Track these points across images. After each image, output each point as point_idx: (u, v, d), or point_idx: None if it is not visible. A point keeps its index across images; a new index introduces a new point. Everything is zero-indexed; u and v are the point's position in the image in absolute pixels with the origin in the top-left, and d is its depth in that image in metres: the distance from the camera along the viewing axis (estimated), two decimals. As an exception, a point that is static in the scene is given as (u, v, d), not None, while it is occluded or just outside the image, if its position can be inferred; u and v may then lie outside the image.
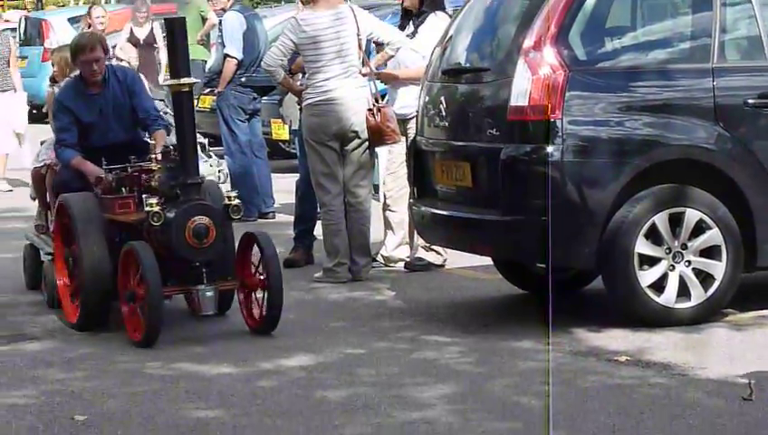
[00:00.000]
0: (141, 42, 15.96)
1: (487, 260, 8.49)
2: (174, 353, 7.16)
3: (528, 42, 7.69)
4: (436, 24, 9.24)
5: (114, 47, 13.61)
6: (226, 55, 12.06)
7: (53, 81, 10.17)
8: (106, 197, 8.17)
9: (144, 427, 5.92)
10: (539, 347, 7.12)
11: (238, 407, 6.19)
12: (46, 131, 15.38)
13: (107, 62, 8.95)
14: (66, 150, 8.48)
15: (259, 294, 7.80)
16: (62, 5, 32.63)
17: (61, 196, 8.32)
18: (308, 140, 8.98)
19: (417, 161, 8.39)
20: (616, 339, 7.28)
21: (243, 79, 11.94)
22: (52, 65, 10.18)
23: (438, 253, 9.01)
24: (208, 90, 14.04)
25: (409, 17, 9.56)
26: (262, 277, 7.77)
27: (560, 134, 7.61)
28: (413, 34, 9.41)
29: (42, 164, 9.38)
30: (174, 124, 8.72)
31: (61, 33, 23.61)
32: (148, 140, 8.72)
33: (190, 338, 7.66)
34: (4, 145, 15.27)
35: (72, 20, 24.87)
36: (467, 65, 8.51)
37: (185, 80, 7.62)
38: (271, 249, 7.77)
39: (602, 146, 7.69)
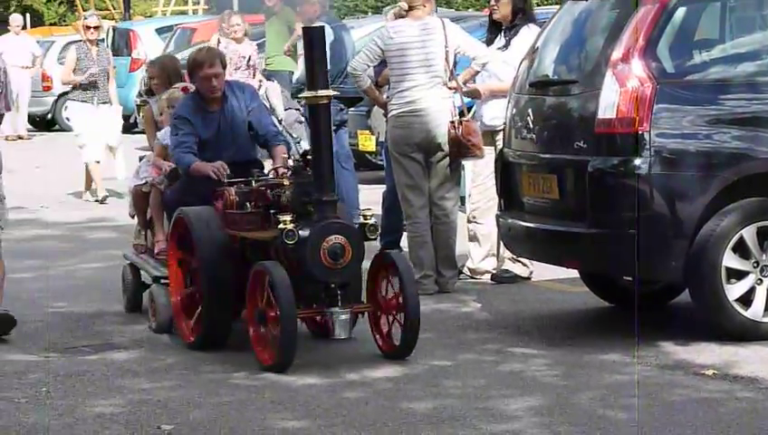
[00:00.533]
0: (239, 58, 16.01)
1: (573, 273, 8.49)
2: (259, 363, 7.19)
3: (616, 54, 7.70)
4: (528, 36, 9.28)
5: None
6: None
7: (150, 93, 9.85)
8: (231, 212, 7.87)
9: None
10: (626, 360, 7.13)
11: (323, 418, 6.19)
12: (136, 141, 15.70)
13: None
14: (186, 155, 8.23)
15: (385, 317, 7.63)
16: (150, 16, 32.96)
17: (179, 209, 8.06)
18: (393, 152, 9.08)
19: (505, 173, 8.41)
20: (703, 353, 7.25)
21: None
22: (149, 77, 9.93)
23: (525, 265, 9.05)
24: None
25: (499, 30, 9.60)
26: (399, 300, 7.48)
27: (647, 147, 7.60)
28: (505, 47, 9.51)
29: (143, 181, 9.12)
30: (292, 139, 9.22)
31: (148, 43, 24.06)
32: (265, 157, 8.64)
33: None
34: (95, 153, 15.51)
35: (160, 30, 25.33)
36: (555, 77, 8.54)
37: (322, 92, 7.36)
38: (409, 271, 7.56)
39: (690, 159, 7.67)
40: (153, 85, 9.63)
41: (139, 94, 11.17)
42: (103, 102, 15.14)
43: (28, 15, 34.77)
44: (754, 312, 7.53)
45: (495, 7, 9.67)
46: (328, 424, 6.13)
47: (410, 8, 9.25)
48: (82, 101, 14.98)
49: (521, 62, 8.95)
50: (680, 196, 7.73)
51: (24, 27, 26.49)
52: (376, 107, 10.82)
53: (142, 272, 8.92)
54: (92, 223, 13.45)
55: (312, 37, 7.44)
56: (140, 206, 9.18)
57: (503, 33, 9.62)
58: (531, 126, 8.46)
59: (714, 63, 8.22)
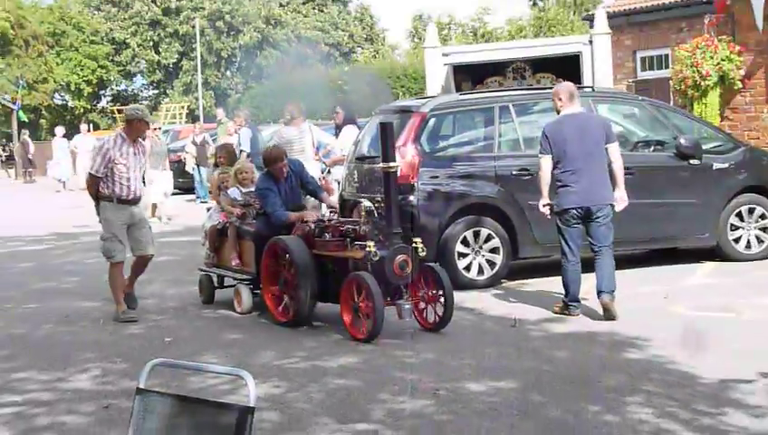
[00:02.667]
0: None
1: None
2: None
3: (400, 142, 11.32)
4: (350, 132, 14.07)
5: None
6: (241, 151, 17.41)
7: (216, 166, 12.48)
8: (321, 240, 9.69)
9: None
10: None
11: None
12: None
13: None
14: (283, 213, 10.20)
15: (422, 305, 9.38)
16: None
17: (277, 237, 9.88)
18: None
19: (341, 206, 11.71)
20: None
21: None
22: (218, 156, 12.69)
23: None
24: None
25: (339, 129, 14.55)
26: (438, 293, 9.26)
27: (417, 190, 11.36)
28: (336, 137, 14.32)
29: (217, 222, 11.36)
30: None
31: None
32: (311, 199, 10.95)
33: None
34: (154, 197, 20.22)
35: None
36: (369, 154, 12.07)
37: (392, 164, 9.14)
38: (445, 274, 9.36)
39: (438, 195, 11.44)
40: (219, 161, 12.48)
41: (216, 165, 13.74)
42: (155, 168, 19.85)
43: None
44: (472, 275, 11.55)
45: (336, 116, 14.80)
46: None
47: (292, 119, 14.20)
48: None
49: (352, 146, 12.86)
50: (434, 215, 11.41)
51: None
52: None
53: (213, 277, 11.27)
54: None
55: (386, 128, 9.22)
56: (213, 238, 11.39)
57: (338, 131, 14.62)
58: (356, 180, 12.29)
59: (449, 147, 12.17)
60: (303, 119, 14.97)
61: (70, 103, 60.57)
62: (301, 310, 9.57)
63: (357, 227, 9.48)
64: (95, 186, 10.45)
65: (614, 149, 9.86)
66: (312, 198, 11.05)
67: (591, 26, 19.40)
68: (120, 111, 53.03)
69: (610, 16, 20.04)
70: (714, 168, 12.75)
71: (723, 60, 16.22)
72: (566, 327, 9.13)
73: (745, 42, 16.25)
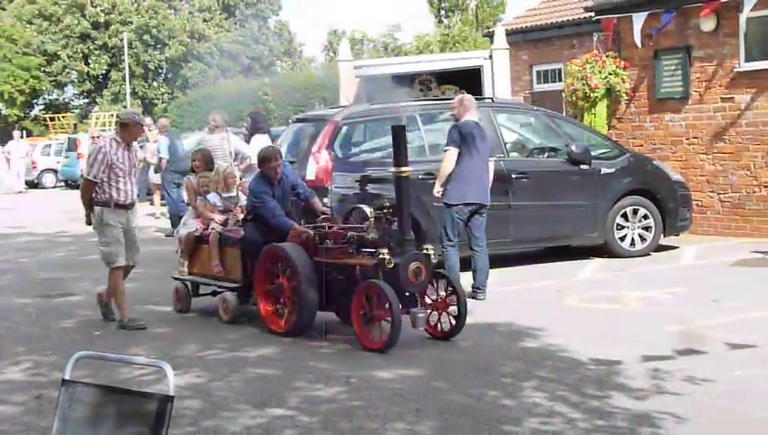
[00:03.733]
0: None
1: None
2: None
3: (314, 148, 11.51)
4: (257, 141, 13.84)
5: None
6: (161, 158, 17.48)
7: (192, 171, 10.89)
8: (324, 247, 8.73)
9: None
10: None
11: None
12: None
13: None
14: (286, 221, 9.25)
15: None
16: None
17: (274, 245, 8.92)
18: None
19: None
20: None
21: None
22: (193, 160, 11.04)
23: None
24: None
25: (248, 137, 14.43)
26: (452, 298, 8.49)
27: (330, 192, 11.26)
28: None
29: (194, 229, 10.37)
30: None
31: (86, 145, 30.05)
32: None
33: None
34: None
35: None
36: (288, 158, 11.56)
37: (404, 169, 8.37)
38: (458, 280, 8.83)
39: (350, 197, 11.13)
40: (195, 166, 10.92)
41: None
42: None
43: None
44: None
45: (245, 126, 14.61)
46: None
47: (215, 127, 14.06)
48: None
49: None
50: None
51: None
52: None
53: (188, 284, 10.25)
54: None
55: (398, 132, 8.40)
56: (189, 245, 10.40)
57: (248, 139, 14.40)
58: None
59: (361, 153, 12.18)
60: (225, 127, 14.94)
61: (3, 111, 59.41)
62: (300, 320, 8.72)
63: (362, 233, 8.63)
64: (90, 192, 9.62)
65: (492, 161, 10.58)
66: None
67: (492, 42, 19.60)
68: (51, 120, 52.57)
69: (509, 33, 20.31)
70: (602, 172, 13.00)
71: (610, 74, 16.51)
72: (470, 318, 9.19)
73: (630, 58, 16.59)
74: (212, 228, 10.15)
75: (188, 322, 9.92)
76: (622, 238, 13.22)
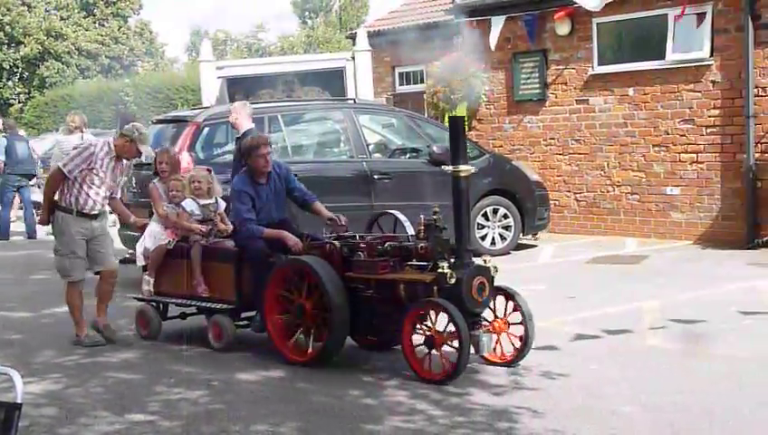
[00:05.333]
0: None
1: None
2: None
3: (176, 148, 11.09)
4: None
5: None
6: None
7: (156, 174, 9.49)
8: (362, 260, 7.47)
9: None
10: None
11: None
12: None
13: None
14: (256, 227, 8.08)
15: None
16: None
17: (295, 259, 7.71)
18: None
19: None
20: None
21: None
22: (159, 162, 9.47)
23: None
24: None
25: None
26: (514, 321, 7.37)
27: None
28: None
29: (166, 241, 8.90)
30: None
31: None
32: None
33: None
34: None
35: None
36: (146, 162, 10.69)
37: (462, 167, 7.15)
38: (522, 298, 7.39)
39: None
40: (161, 169, 9.36)
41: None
42: None
43: None
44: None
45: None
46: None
47: (75, 128, 13.72)
48: None
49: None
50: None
51: None
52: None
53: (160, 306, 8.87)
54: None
55: (457, 124, 7.27)
56: (158, 260, 8.90)
57: None
58: (134, 186, 11.98)
59: (223, 153, 12.04)
60: (84, 128, 14.57)
61: None
62: (330, 347, 7.46)
63: (405, 243, 7.55)
64: (57, 185, 8.55)
65: None
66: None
67: (354, 44, 19.73)
68: None
69: (371, 35, 20.43)
70: (462, 172, 13.13)
71: (470, 76, 16.80)
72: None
73: (489, 61, 16.89)
74: (194, 241, 8.74)
75: (43, 328, 9.66)
76: (483, 238, 13.45)
